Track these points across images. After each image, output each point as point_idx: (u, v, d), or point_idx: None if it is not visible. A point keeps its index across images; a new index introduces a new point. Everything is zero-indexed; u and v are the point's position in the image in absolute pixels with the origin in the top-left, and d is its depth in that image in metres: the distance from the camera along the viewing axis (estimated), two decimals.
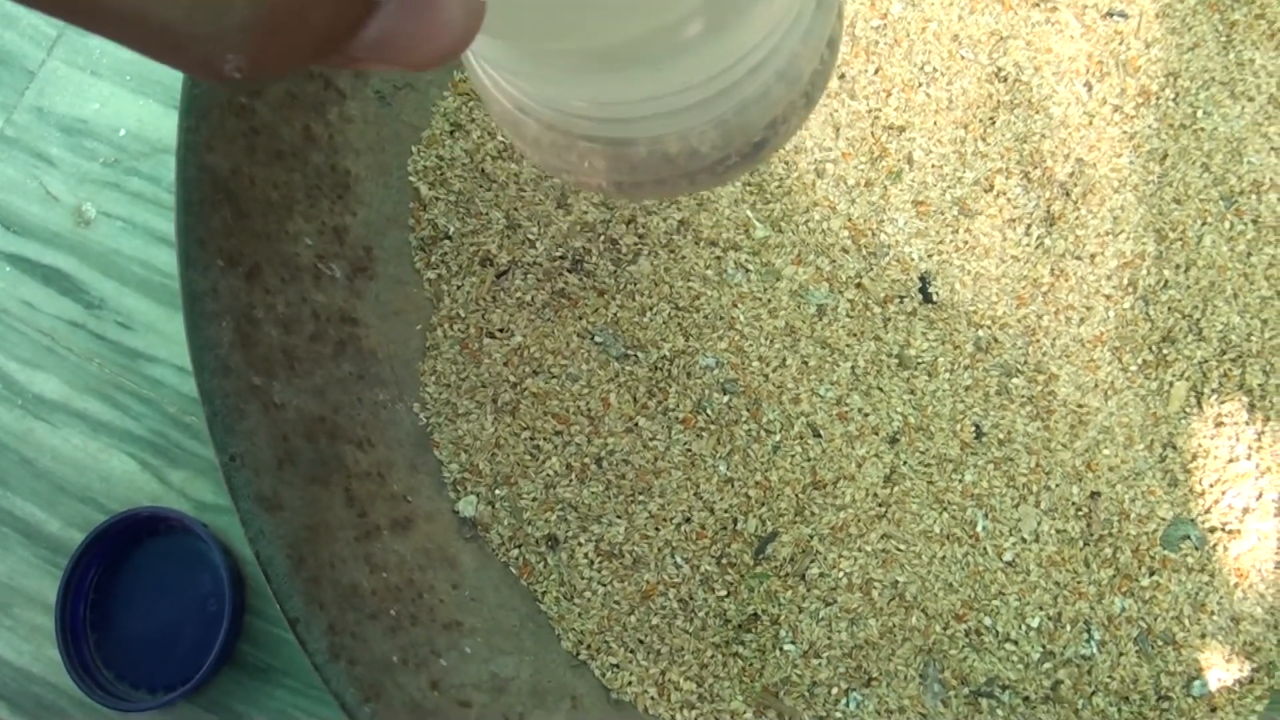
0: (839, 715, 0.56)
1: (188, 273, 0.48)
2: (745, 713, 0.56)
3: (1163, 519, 0.58)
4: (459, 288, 0.60)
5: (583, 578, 0.57)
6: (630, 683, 0.56)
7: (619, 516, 0.57)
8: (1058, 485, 0.58)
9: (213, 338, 0.48)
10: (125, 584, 0.63)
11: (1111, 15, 0.64)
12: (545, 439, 0.58)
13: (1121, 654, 0.57)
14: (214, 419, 0.47)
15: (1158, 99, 0.63)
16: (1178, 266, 0.61)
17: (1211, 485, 0.59)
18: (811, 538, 0.57)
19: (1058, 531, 0.58)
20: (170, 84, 0.69)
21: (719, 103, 0.31)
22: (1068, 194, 0.62)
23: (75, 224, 0.68)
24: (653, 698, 0.56)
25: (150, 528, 0.63)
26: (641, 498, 0.57)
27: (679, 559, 0.57)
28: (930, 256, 0.61)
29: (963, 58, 0.64)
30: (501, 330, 0.60)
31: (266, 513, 0.46)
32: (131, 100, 0.69)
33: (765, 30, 0.30)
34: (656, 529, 0.57)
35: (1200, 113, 0.63)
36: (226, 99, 0.51)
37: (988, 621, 0.56)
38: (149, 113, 0.69)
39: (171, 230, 0.67)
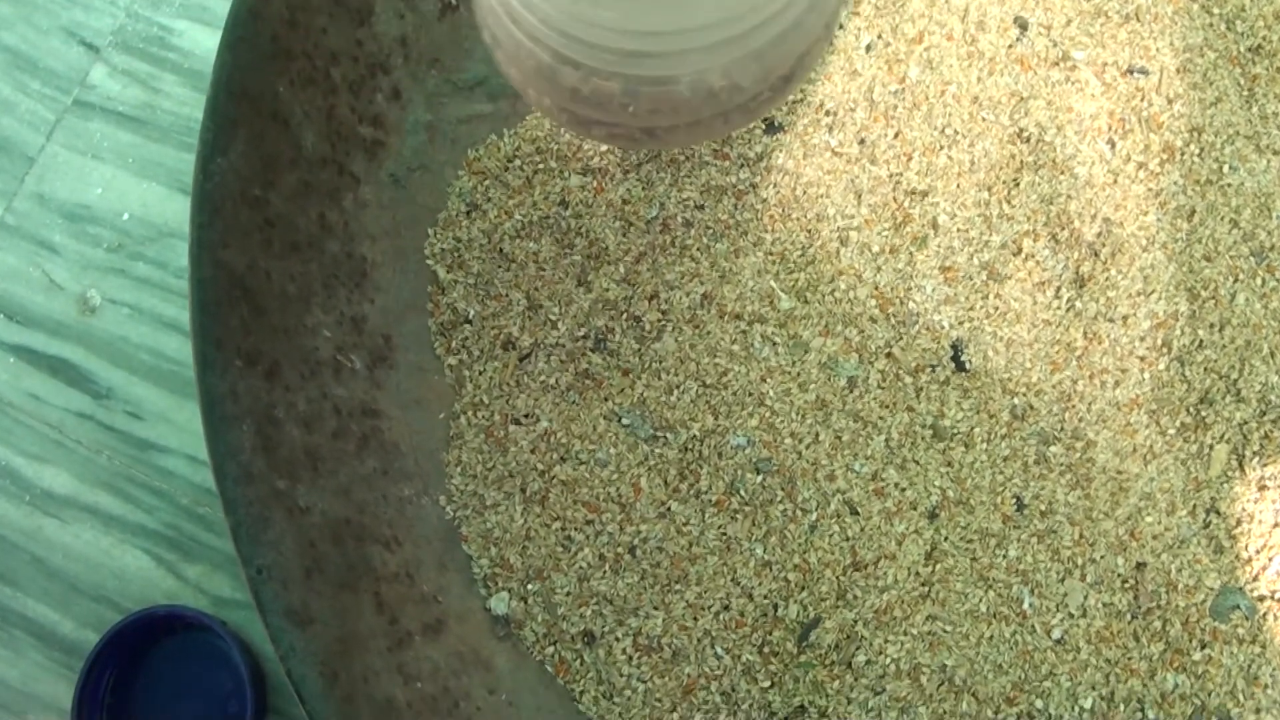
0: None
1: (206, 376, 0.47)
2: None
3: (1210, 589, 0.56)
4: (481, 373, 0.58)
5: (621, 674, 0.55)
6: None
7: (656, 608, 0.55)
8: (1102, 557, 0.57)
9: (234, 443, 0.46)
10: (142, 686, 0.61)
11: (1132, 72, 0.63)
12: (576, 529, 0.56)
13: None
14: (239, 529, 0.45)
15: (1182, 155, 0.62)
16: (1212, 326, 0.60)
17: (1258, 551, 0.57)
18: (855, 622, 0.55)
19: (1105, 605, 0.56)
20: (174, 166, 0.68)
21: (759, 34, 0.32)
22: (1096, 254, 0.61)
23: (80, 312, 0.66)
24: None
25: (167, 626, 0.61)
26: (678, 586, 0.56)
27: (719, 650, 0.55)
28: (961, 323, 0.60)
29: (984, 119, 0.63)
30: (527, 416, 0.58)
31: (297, 628, 0.45)
32: (135, 184, 0.68)
33: None
34: (695, 619, 0.55)
35: (1226, 167, 0.62)
36: (239, 191, 0.50)
37: (1039, 704, 0.55)
38: (153, 196, 0.67)
39: (180, 316, 0.66)
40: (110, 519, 0.63)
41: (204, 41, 0.69)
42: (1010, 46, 0.64)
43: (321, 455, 0.50)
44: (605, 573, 0.56)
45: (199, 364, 0.47)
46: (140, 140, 0.68)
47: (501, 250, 0.60)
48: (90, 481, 0.64)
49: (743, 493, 0.57)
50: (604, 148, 0.62)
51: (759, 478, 0.57)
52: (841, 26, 0.64)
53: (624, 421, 0.58)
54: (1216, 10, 0.64)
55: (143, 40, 0.70)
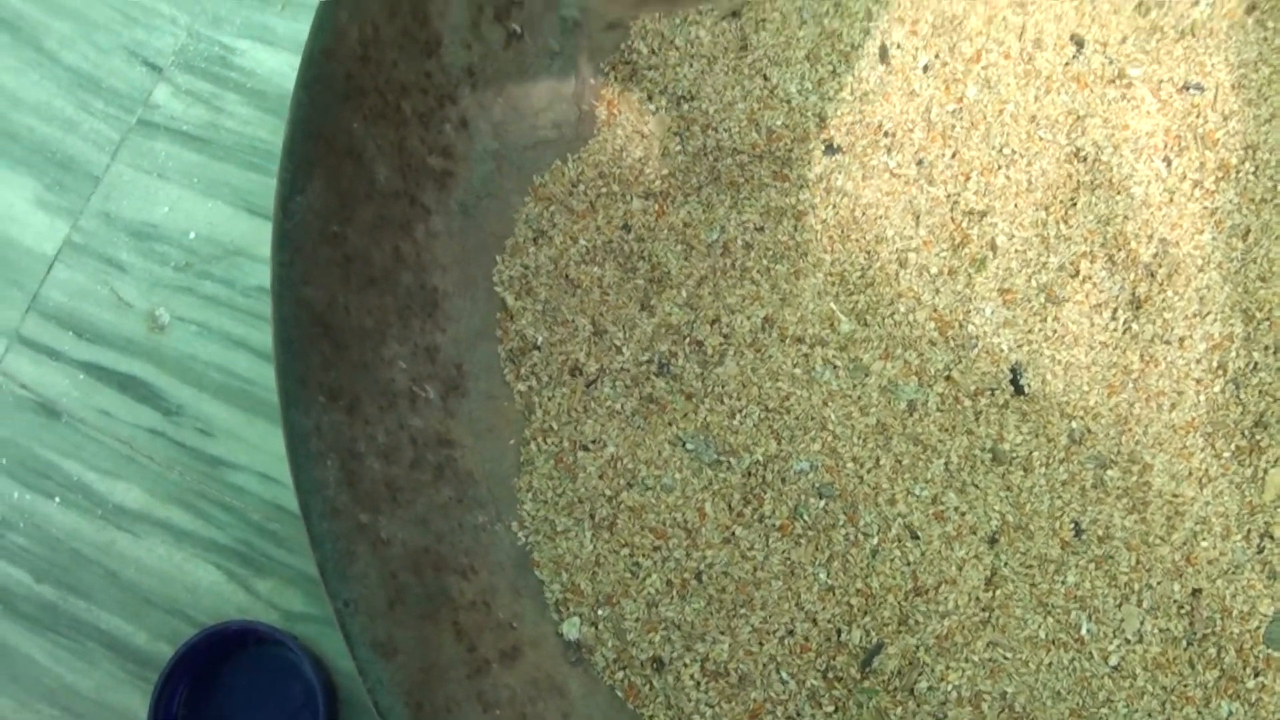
0: None
1: (290, 413, 0.48)
2: None
3: (1264, 615, 0.57)
4: (550, 399, 0.60)
5: (690, 700, 0.56)
6: None
7: (722, 633, 0.57)
8: (1159, 582, 0.57)
9: (320, 479, 0.48)
10: (216, 699, 0.63)
11: (1188, 89, 0.63)
12: (644, 555, 0.58)
13: None
14: (325, 564, 0.46)
15: (1238, 172, 0.62)
16: (1266, 348, 0.60)
17: None
18: (918, 648, 0.56)
19: (1161, 631, 0.57)
20: (239, 185, 0.69)
21: None
22: (1153, 275, 0.61)
23: (149, 330, 0.67)
24: None
25: (239, 640, 0.62)
26: (743, 611, 0.57)
27: (784, 675, 0.56)
28: (1020, 347, 0.61)
29: (1041, 139, 0.63)
30: (594, 442, 0.59)
31: (383, 659, 0.46)
32: (200, 202, 0.69)
33: None
34: (760, 644, 0.57)
35: None
36: (318, 229, 0.51)
37: None
38: (219, 214, 0.68)
39: (249, 334, 0.67)
40: (182, 534, 0.65)
41: (266, 61, 0.70)
42: (1067, 64, 0.64)
43: (400, 486, 0.51)
44: (673, 598, 0.57)
45: (283, 401, 0.48)
46: (205, 159, 0.69)
47: (567, 276, 0.61)
48: (162, 497, 0.65)
49: (806, 517, 0.58)
50: (665, 170, 0.62)
51: (821, 502, 0.58)
52: (899, 46, 0.64)
53: (688, 446, 0.59)
54: (1271, 24, 0.64)
55: (205, 60, 0.71)
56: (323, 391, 0.49)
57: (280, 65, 0.70)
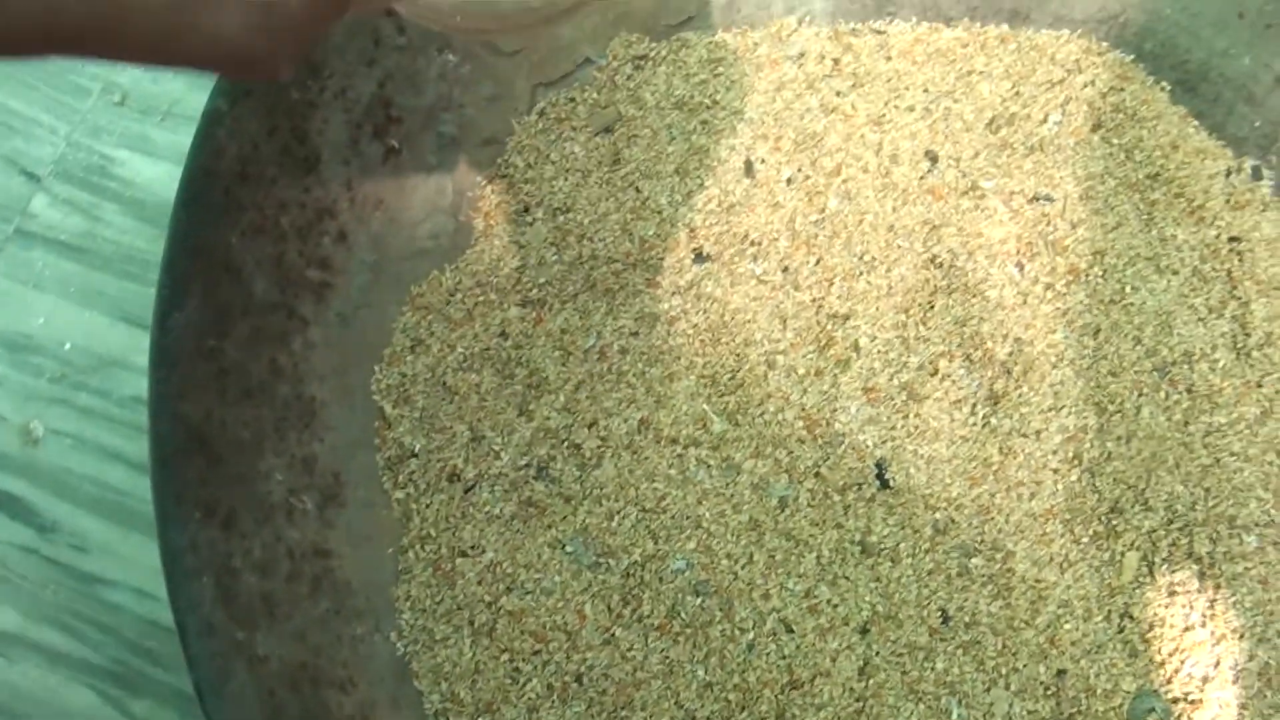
0: None
1: (166, 530, 0.48)
2: None
3: (1127, 692, 0.60)
4: (428, 506, 0.60)
5: None
6: None
7: None
8: (1025, 665, 0.60)
9: (195, 597, 0.48)
10: None
11: (1037, 199, 0.67)
12: (524, 660, 0.58)
13: None
14: (201, 684, 0.46)
15: (1087, 276, 0.66)
16: (1119, 438, 0.63)
17: (1170, 655, 0.60)
18: None
19: (1029, 713, 0.59)
20: (116, 295, 0.69)
21: None
22: (1009, 373, 0.64)
23: (23, 444, 0.67)
24: None
25: None
26: (624, 713, 0.58)
27: None
28: (884, 442, 0.63)
29: (899, 246, 0.66)
30: (473, 547, 0.60)
31: None
32: (77, 313, 0.68)
33: None
34: None
35: (1129, 288, 0.66)
36: (195, 343, 0.51)
37: None
38: (96, 325, 0.68)
39: (124, 446, 0.67)
40: (57, 656, 0.64)
41: (144, 171, 0.71)
42: (922, 178, 0.68)
43: (277, 600, 0.51)
44: (553, 703, 0.58)
45: (159, 519, 0.48)
46: (82, 269, 0.69)
47: (445, 384, 0.62)
48: (36, 618, 0.64)
49: (683, 615, 0.59)
50: (542, 279, 0.64)
51: (698, 600, 0.60)
52: (763, 161, 0.67)
53: (567, 549, 0.60)
54: (1116, 140, 0.69)
55: (83, 169, 0.71)
56: (198, 507, 0.49)
57: (159, 175, 0.71)
